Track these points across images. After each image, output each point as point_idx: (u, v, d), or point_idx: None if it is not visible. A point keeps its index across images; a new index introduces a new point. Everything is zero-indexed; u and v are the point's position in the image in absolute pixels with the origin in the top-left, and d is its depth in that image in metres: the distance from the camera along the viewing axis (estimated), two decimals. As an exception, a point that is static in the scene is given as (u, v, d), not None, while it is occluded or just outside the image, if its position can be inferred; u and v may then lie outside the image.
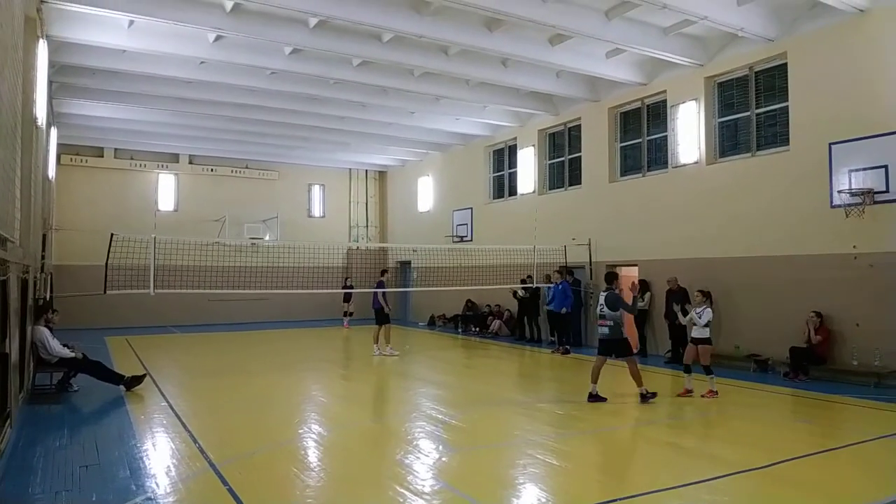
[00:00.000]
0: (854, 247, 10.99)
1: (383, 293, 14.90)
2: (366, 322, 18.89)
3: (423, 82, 15.44)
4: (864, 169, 10.74)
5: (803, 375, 11.14)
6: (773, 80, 12.79)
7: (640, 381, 9.34)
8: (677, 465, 6.51)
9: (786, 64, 12.27)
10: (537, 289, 16.93)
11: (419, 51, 13.44)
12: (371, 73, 14.66)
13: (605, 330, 9.51)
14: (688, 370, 9.91)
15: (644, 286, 14.72)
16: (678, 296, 13.43)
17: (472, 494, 5.53)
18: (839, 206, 11.07)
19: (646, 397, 9.26)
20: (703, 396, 9.63)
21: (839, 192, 11.02)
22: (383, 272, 16.08)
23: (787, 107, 12.28)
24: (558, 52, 13.44)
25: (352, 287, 20.49)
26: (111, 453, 6.66)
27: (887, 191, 10.49)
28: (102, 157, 22.55)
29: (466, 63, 14.15)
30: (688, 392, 9.78)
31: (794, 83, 12.09)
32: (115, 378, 10.07)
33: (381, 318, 14.82)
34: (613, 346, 9.54)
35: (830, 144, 11.28)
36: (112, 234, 11.70)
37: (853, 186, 10.81)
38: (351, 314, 22.07)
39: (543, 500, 5.47)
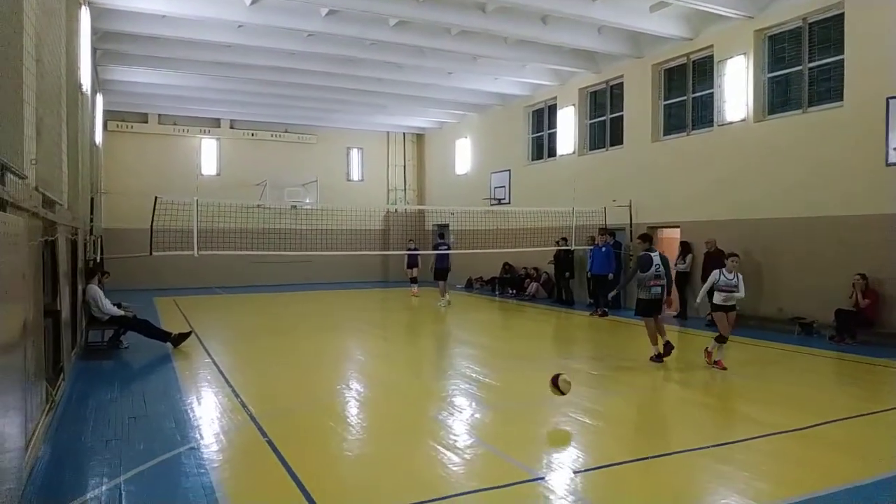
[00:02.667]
0: (910, 206, 10.51)
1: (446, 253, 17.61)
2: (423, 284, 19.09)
3: (460, 41, 15.18)
4: (924, 124, 10.19)
5: (850, 339, 10.82)
6: (828, 32, 12.13)
7: (655, 340, 9.50)
8: (712, 425, 6.47)
9: (842, 14, 11.61)
10: (571, 251, 16.78)
11: (456, 8, 13.19)
12: (408, 32, 14.47)
13: (659, 290, 9.48)
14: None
15: (685, 248, 14.44)
16: (716, 259, 13.14)
17: (504, 450, 5.60)
18: (895, 164, 10.56)
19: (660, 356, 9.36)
20: (719, 365, 8.80)
21: (895, 149, 10.50)
22: (441, 235, 18.84)
23: (843, 60, 11.67)
24: (600, 7, 13.01)
25: (417, 250, 19.83)
26: (158, 406, 6.95)
27: (949, 147, 9.95)
28: (147, 122, 23.03)
29: (505, 20, 13.82)
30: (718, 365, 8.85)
31: (851, 35, 11.45)
32: (163, 335, 10.45)
33: (444, 274, 17.60)
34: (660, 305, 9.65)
35: (888, 99, 10.72)
36: (156, 198, 12.01)
37: (911, 143, 10.28)
38: (415, 280, 20.00)
39: (575, 457, 5.49)
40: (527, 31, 14.35)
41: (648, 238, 10.12)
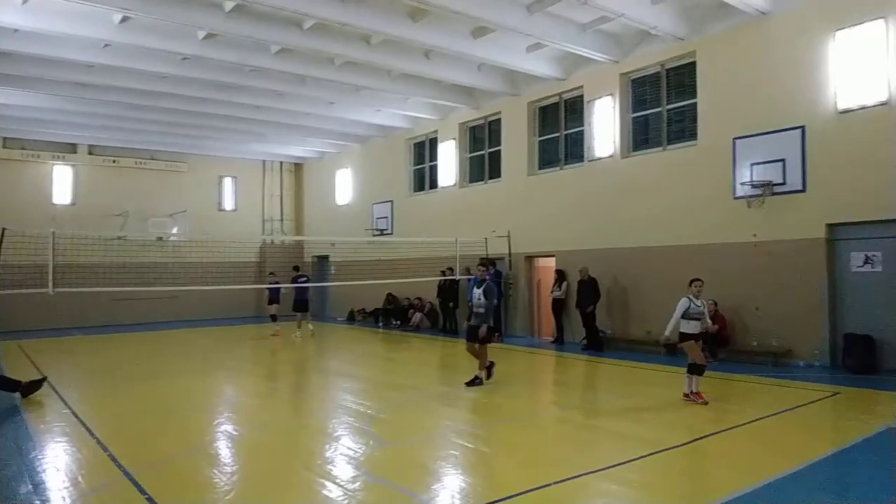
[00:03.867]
0: (754, 235, 11.73)
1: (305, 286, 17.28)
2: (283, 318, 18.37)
3: (343, 72, 15.12)
4: (765, 162, 11.49)
5: (710, 358, 11.77)
6: (682, 78, 13.41)
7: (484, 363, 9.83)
8: (600, 446, 6.70)
9: (695, 62, 12.90)
10: (456, 281, 17.04)
11: (341, 39, 13.13)
12: (290, 60, 14.19)
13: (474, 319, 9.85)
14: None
15: (561, 276, 15.13)
16: (588, 286, 13.91)
17: (396, 482, 5.50)
18: (742, 197, 11.79)
19: (474, 381, 9.65)
20: (700, 398, 8.26)
21: (741, 183, 11.74)
22: (296, 268, 18.41)
23: (696, 103, 12.92)
24: (480, 45, 13.51)
25: (278, 283, 17.88)
26: (9, 467, 6.06)
27: (784, 183, 11.27)
28: (-12, 146, 20.69)
29: (389, 53, 13.97)
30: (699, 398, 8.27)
31: (702, 80, 12.74)
32: (10, 384, 9.22)
33: (305, 305, 17.24)
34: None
35: (734, 139, 11.98)
36: (3, 229, 10.72)
37: (754, 179, 11.52)
38: (275, 317, 17.75)
39: (468, 485, 5.48)
40: (410, 65, 14.59)
41: (485, 263, 10.61)
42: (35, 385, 9.32)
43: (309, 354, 15.25)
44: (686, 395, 8.36)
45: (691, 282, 8.55)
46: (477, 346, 9.75)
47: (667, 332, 8.48)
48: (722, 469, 5.78)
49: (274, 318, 17.71)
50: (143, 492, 5.27)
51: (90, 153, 22.44)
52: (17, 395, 9.14)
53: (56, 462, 6.28)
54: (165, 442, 7.10)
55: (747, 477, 5.48)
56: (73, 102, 16.84)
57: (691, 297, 8.39)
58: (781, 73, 11.46)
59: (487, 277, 9.99)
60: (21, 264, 11.65)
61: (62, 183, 22.09)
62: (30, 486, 5.50)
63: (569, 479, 5.49)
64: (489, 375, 9.84)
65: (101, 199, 22.01)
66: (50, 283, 10.98)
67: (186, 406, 9.09)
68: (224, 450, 6.85)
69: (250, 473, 6.03)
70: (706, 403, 8.11)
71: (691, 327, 8.36)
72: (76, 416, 8.12)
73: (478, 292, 9.73)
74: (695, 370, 8.33)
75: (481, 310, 9.71)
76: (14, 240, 11.25)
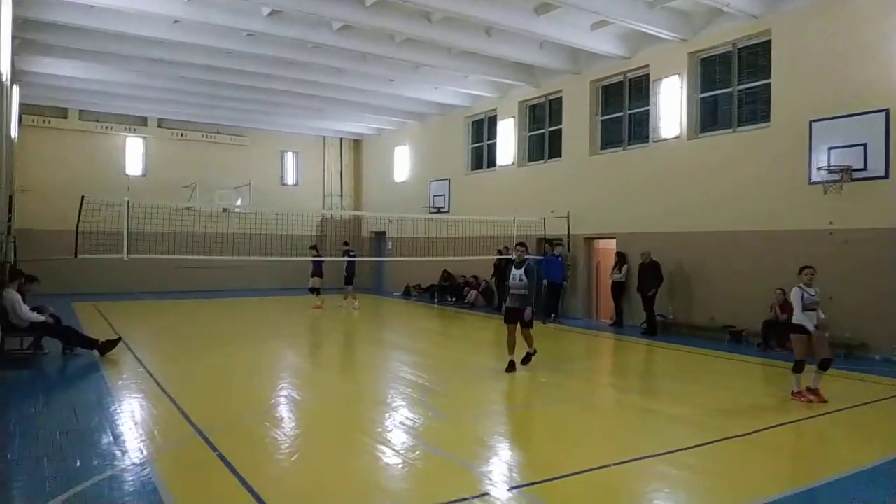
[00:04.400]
0: (830, 223, 11.22)
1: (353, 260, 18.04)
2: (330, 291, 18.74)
3: (403, 49, 15.12)
4: (844, 147, 10.92)
5: (778, 347, 11.41)
6: (755, 58, 12.85)
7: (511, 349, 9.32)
8: (663, 432, 6.60)
9: (769, 41, 12.32)
10: (511, 260, 16.94)
11: (402, 16, 13.12)
12: (351, 37, 14.28)
13: (514, 299, 9.29)
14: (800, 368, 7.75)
15: (621, 258, 14.87)
16: (650, 269, 13.63)
17: (454, 453, 5.59)
18: (818, 182, 11.26)
19: (527, 357, 9.39)
20: (802, 397, 7.64)
21: (818, 168, 11.20)
22: (346, 243, 19.03)
23: (769, 84, 12.37)
24: (543, 23, 13.26)
25: (320, 257, 18.27)
26: (91, 419, 6.47)
27: (865, 168, 10.70)
28: (66, 118, 21.68)
29: (449, 30, 13.88)
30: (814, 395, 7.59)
31: (777, 60, 12.16)
32: (89, 342, 9.80)
33: (351, 279, 18.09)
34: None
35: (811, 122, 11.42)
36: (83, 197, 11.26)
37: (832, 164, 10.98)
38: (317, 290, 18.14)
39: (524, 462, 5.52)
40: (470, 42, 14.45)
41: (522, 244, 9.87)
42: (111, 344, 9.85)
43: (366, 327, 15.55)
44: (793, 395, 7.68)
45: (801, 269, 7.84)
46: (519, 328, 9.20)
47: (810, 327, 7.57)
48: (787, 461, 5.63)
49: (315, 291, 18.10)
50: (214, 448, 5.52)
51: (160, 126, 23.27)
52: (96, 352, 9.69)
53: (133, 416, 6.64)
54: (232, 403, 7.41)
55: (811, 473, 5.33)
56: (143, 77, 17.45)
57: (803, 286, 7.70)
58: (864, 53, 10.83)
59: (527, 258, 9.51)
60: (98, 231, 12.22)
61: (134, 155, 23.03)
62: (111, 438, 5.84)
63: (627, 461, 5.45)
64: (526, 361, 9.36)
65: (170, 171, 22.83)
66: (125, 250, 11.50)
67: (250, 370, 9.44)
68: (287, 413, 7.09)
69: (313, 436, 6.24)
70: (825, 401, 7.39)
71: (807, 319, 7.61)
72: (150, 375, 8.55)
73: (518, 273, 9.18)
74: (800, 367, 7.63)
75: (523, 291, 9.15)
76: (92, 208, 11.81)
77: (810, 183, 11.42)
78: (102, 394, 7.53)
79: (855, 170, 10.78)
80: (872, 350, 10.67)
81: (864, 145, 10.69)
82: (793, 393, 7.74)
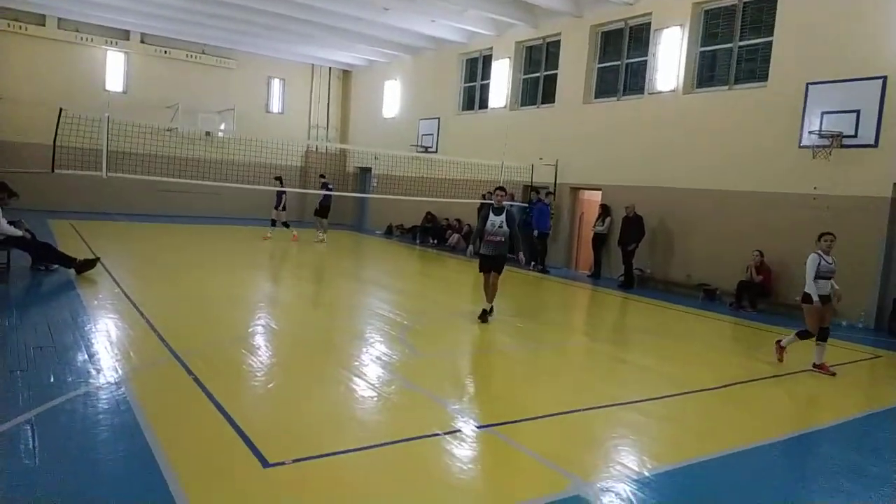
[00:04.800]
0: (815, 188, 11.27)
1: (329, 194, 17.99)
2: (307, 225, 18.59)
3: (402, -24, 14.54)
4: (837, 112, 10.87)
5: (750, 307, 11.64)
6: (760, 14, 12.59)
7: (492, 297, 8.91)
8: (636, 381, 6.76)
9: (776, -2, 12.04)
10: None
11: (402, -60, 12.55)
12: (348, -41, 13.68)
13: (489, 245, 8.78)
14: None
15: (605, 210, 14.89)
16: (633, 223, 13.68)
17: (430, 390, 5.68)
18: (808, 146, 11.25)
19: (485, 315, 8.75)
20: (822, 370, 7.39)
21: (810, 132, 11.17)
22: (322, 175, 18.79)
23: (771, 42, 12.16)
24: (548, -42, 12.78)
25: (283, 188, 17.26)
26: (66, 336, 6.43)
27: (856, 136, 10.69)
28: (44, 25, 20.72)
29: (451, -40, 13.33)
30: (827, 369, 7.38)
31: (781, 18, 11.93)
32: (66, 260, 9.66)
33: (325, 212, 18.23)
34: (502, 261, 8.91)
35: (808, 84, 11.32)
36: (61, 110, 10.88)
37: (824, 128, 10.95)
38: (282, 223, 17.89)
39: (499, 401, 5.63)
40: (472, -26, 13.94)
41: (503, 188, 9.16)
42: (89, 264, 9.73)
43: (347, 264, 15.54)
44: (816, 366, 7.39)
45: (821, 236, 7.47)
46: (493, 276, 8.77)
47: (815, 298, 7.25)
48: (749, 416, 5.80)
49: (276, 222, 17.81)
50: (189, 372, 5.54)
51: (143, 41, 22.38)
52: (72, 271, 9.57)
53: (109, 336, 6.61)
54: (210, 329, 7.41)
55: (776, 428, 5.51)
56: (128, -13, 16.64)
57: (821, 252, 7.36)
58: (868, 18, 10.65)
59: (506, 204, 9.01)
60: (76, 146, 11.89)
61: (115, 70, 22.21)
62: (85, 356, 5.82)
63: (596, 407, 5.59)
64: (484, 317, 8.74)
65: (152, 89, 22.13)
66: (104, 167, 11.24)
67: (228, 297, 9.41)
68: (264, 342, 7.11)
69: (289, 366, 6.28)
70: (833, 374, 7.27)
71: (821, 287, 7.28)
72: (126, 296, 8.49)
73: (498, 219, 8.62)
74: (805, 335, 7.44)
75: (500, 238, 8.64)
76: (70, 122, 11.45)
77: (800, 147, 11.41)
78: (78, 312, 7.47)
79: (845, 136, 10.77)
80: (840, 316, 10.88)
81: (858, 112, 10.66)
82: (817, 366, 7.39)
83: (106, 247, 13.20)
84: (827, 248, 7.40)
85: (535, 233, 15.45)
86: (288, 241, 17.31)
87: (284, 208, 17.86)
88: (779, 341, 7.79)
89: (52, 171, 11.03)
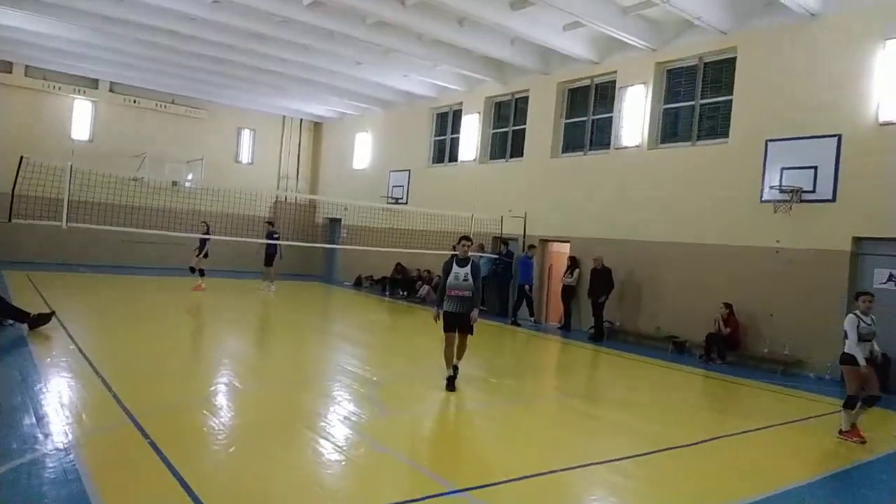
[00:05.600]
0: (777, 241, 11.52)
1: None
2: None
3: (374, 31, 14.80)
4: (796, 168, 11.22)
5: (719, 359, 11.68)
6: (720, 73, 13.08)
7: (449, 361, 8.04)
8: (608, 439, 6.62)
9: (734, 58, 12.54)
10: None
11: (376, -4, 12.82)
12: (321, 14, 13.88)
13: (453, 302, 7.91)
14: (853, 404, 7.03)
15: (573, 263, 14.98)
16: (602, 276, 13.77)
17: (399, 452, 5.47)
18: (769, 201, 11.55)
19: (452, 380, 7.86)
20: (853, 437, 6.95)
21: (770, 187, 11.48)
22: (270, 223, 18.86)
23: (731, 100, 12.61)
24: (517, 18, 13.16)
25: (207, 234, 16.45)
26: (13, 397, 6.07)
27: (814, 191, 11.02)
28: (11, 73, 20.48)
29: (422, 16, 13.63)
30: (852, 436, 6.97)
31: (741, 78, 12.40)
32: (18, 315, 9.24)
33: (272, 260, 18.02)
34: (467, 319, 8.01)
35: (767, 141, 11.70)
36: (22, 157, 10.62)
37: (784, 184, 11.27)
38: (200, 271, 16.96)
39: (474, 464, 5.43)
40: (442, 31, 14.25)
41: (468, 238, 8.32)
42: (44, 318, 9.33)
43: (314, 317, 15.25)
44: (842, 434, 6.99)
45: (858, 295, 7.20)
46: (459, 336, 7.95)
47: (861, 360, 6.81)
48: (727, 474, 5.70)
49: (194, 270, 16.88)
50: (146, 436, 5.24)
51: (111, 90, 22.24)
52: (25, 326, 9.15)
53: (60, 397, 6.26)
54: (169, 388, 7.09)
55: (755, 485, 5.41)
56: (98, 36, 16.61)
57: (859, 313, 7.01)
58: (823, 78, 11.14)
59: (471, 255, 8.12)
60: (36, 196, 11.55)
61: (81, 118, 21.96)
62: (33, 419, 5.48)
63: (571, 468, 5.43)
64: (451, 383, 7.81)
65: (120, 138, 21.89)
66: (64, 218, 10.92)
67: (190, 354, 9.10)
68: (226, 401, 6.83)
69: (252, 428, 5.99)
70: (864, 442, 6.84)
71: (860, 350, 6.88)
72: (82, 353, 8.12)
73: (463, 272, 7.81)
74: (852, 403, 6.95)
75: (467, 293, 7.81)
76: (31, 170, 11.16)
77: (762, 201, 11.71)
78: (28, 371, 7.09)
79: (805, 191, 11.09)
80: (808, 368, 11.02)
81: (815, 168, 11.02)
82: (841, 432, 7.02)
83: (63, 300, 12.75)
84: (865, 309, 7.02)
85: (526, 286, 15.49)
86: (254, 293, 16.94)
87: (206, 255, 17.11)
88: (844, 431, 7.04)
89: (10, 220, 10.66)
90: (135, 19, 14.75)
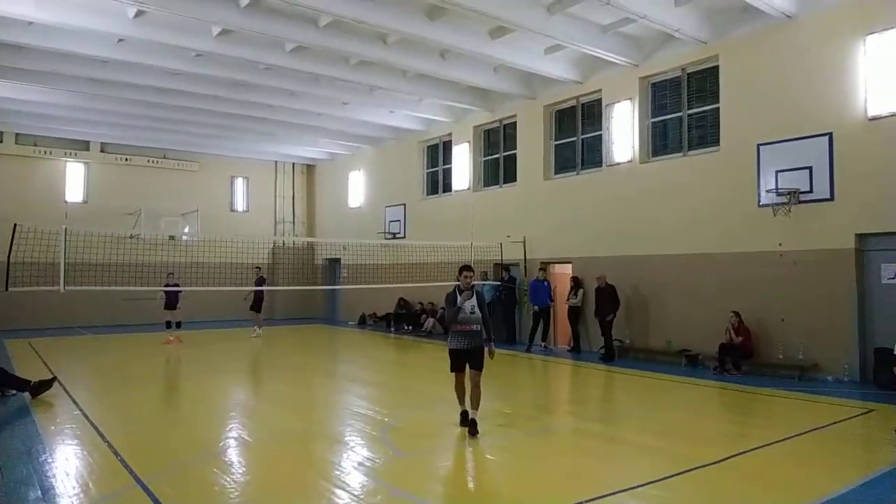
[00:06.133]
0: (780, 244, 11.43)
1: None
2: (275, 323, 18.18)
3: (358, 71, 14.94)
4: (790, 170, 11.19)
5: (734, 370, 11.47)
6: (704, 82, 13.15)
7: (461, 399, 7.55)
8: (631, 463, 6.43)
9: (717, 66, 12.63)
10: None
11: (356, 37, 12.95)
12: (304, 59, 14.01)
13: (461, 338, 7.35)
14: None
15: (577, 283, 14.86)
16: (606, 294, 13.63)
17: (417, 494, 5.28)
18: (767, 205, 11.49)
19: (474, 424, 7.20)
20: None
21: (767, 191, 11.43)
22: (258, 268, 18.86)
23: (718, 108, 12.65)
24: (498, 47, 13.29)
25: (178, 286, 16.76)
26: (18, 471, 5.89)
27: (811, 191, 10.97)
28: (2, 142, 20.64)
29: (404, 53, 13.77)
30: None
31: (725, 85, 12.46)
32: (19, 384, 9.08)
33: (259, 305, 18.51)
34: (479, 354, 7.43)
35: (759, 145, 11.69)
36: (16, 225, 10.59)
37: (780, 186, 11.23)
38: (178, 324, 17.41)
39: (495, 502, 5.26)
40: (425, 65, 14.38)
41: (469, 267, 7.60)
42: (45, 385, 9.17)
43: (321, 359, 15.07)
44: None
45: None
46: (473, 374, 7.31)
47: None
48: (758, 490, 5.50)
49: (169, 324, 16.95)
50: (155, 500, 5.06)
51: (102, 151, 22.38)
52: (27, 394, 9.00)
53: (66, 466, 6.09)
54: (177, 446, 6.91)
55: (788, 499, 5.23)
56: (86, 99, 16.76)
57: None
58: (808, 79, 11.18)
59: (474, 284, 7.43)
60: (33, 262, 11.50)
61: (74, 181, 22.06)
62: (39, 493, 5.30)
63: (597, 498, 5.24)
64: (474, 429, 7.16)
65: (114, 197, 21.94)
66: (61, 282, 10.85)
67: (197, 409, 8.92)
68: (236, 457, 6.64)
69: (264, 482, 5.81)
70: None
71: None
72: (87, 418, 7.94)
73: (470, 304, 7.22)
74: None
75: (475, 326, 7.27)
76: (26, 237, 11.13)
77: (760, 206, 11.66)
78: (32, 441, 6.92)
79: (802, 192, 11.04)
80: (825, 371, 10.83)
81: (810, 168, 10.98)
82: None
83: (66, 364, 12.60)
84: None
85: (536, 308, 15.37)
86: (250, 341, 16.80)
87: (174, 307, 17.04)
88: None
89: (7, 289, 10.58)
90: (120, 79, 14.89)
